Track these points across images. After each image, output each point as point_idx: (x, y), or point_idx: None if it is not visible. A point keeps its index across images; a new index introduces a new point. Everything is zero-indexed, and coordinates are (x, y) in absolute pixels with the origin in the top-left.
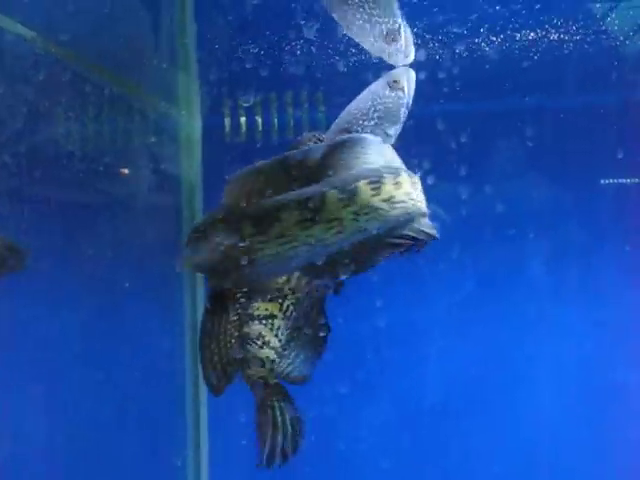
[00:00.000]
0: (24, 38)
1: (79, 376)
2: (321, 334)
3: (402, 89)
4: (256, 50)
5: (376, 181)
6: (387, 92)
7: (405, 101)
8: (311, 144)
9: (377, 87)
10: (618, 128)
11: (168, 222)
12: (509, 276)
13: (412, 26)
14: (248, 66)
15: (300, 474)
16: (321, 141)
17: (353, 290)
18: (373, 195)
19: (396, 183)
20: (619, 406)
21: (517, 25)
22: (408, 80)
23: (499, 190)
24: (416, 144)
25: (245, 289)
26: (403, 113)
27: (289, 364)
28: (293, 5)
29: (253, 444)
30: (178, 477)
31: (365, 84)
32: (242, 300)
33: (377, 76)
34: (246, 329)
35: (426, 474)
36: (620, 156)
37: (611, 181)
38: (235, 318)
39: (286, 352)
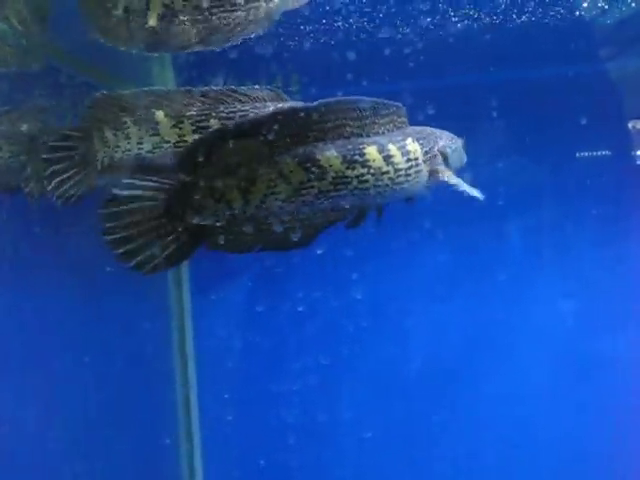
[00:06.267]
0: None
1: (65, 362)
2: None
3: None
4: None
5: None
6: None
7: None
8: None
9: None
10: (590, 101)
11: None
12: (489, 247)
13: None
14: (221, 52)
15: (285, 445)
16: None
17: (329, 264)
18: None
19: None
20: (600, 372)
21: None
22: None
23: (478, 164)
24: None
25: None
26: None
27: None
28: None
29: (241, 419)
30: (169, 457)
31: (333, 62)
32: None
33: (342, 54)
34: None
35: (408, 442)
36: (593, 129)
37: (586, 154)
38: None
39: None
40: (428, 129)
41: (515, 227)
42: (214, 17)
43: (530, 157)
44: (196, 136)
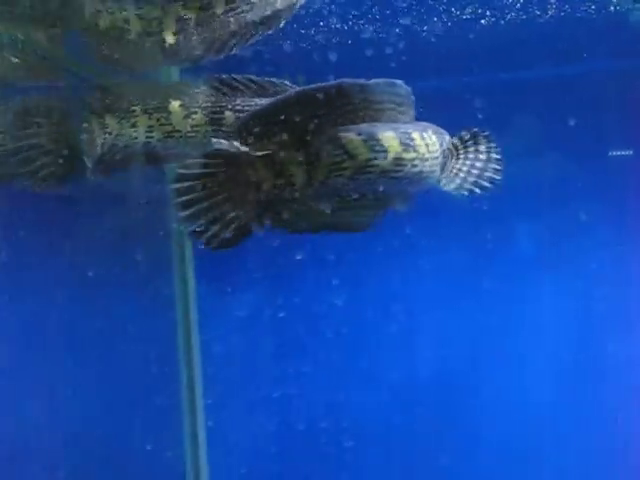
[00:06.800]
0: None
1: (68, 361)
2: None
3: None
4: None
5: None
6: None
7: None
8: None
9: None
10: (622, 97)
11: (156, 210)
12: (497, 250)
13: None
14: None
15: (265, 454)
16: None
17: (313, 269)
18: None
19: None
20: (606, 375)
21: None
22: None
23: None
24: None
25: None
26: None
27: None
28: None
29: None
30: (174, 464)
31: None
32: None
33: (324, 55)
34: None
35: (390, 450)
36: (622, 127)
37: (617, 153)
38: None
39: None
40: (432, 125)
41: (526, 232)
42: (231, 20)
43: (556, 155)
44: (209, 128)
